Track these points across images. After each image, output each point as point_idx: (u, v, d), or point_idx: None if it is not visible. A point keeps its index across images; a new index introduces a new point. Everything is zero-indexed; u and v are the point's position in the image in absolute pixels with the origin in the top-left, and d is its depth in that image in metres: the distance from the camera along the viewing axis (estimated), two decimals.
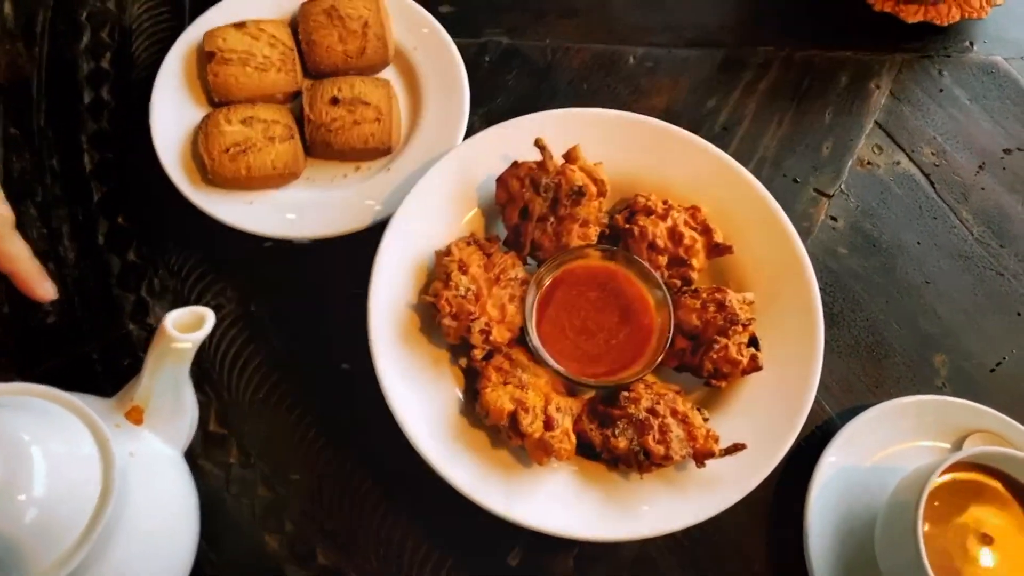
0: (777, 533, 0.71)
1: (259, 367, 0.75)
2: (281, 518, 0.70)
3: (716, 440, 0.67)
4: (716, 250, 0.75)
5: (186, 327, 0.58)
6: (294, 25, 0.84)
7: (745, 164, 0.83)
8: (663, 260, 0.74)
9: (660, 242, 0.73)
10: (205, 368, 0.75)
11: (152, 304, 0.77)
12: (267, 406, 0.74)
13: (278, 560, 0.69)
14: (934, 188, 0.86)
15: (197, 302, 0.77)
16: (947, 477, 0.65)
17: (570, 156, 0.75)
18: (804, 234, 0.82)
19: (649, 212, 0.75)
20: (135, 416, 0.61)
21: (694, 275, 0.74)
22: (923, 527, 0.61)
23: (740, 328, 0.70)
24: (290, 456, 0.72)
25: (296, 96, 0.83)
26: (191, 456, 0.71)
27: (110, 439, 0.53)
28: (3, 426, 0.50)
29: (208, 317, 0.58)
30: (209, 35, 0.82)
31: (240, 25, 0.82)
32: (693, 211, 0.75)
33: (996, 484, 0.66)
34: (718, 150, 0.77)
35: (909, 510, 0.62)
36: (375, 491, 0.71)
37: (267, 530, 0.70)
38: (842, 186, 0.85)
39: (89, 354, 0.75)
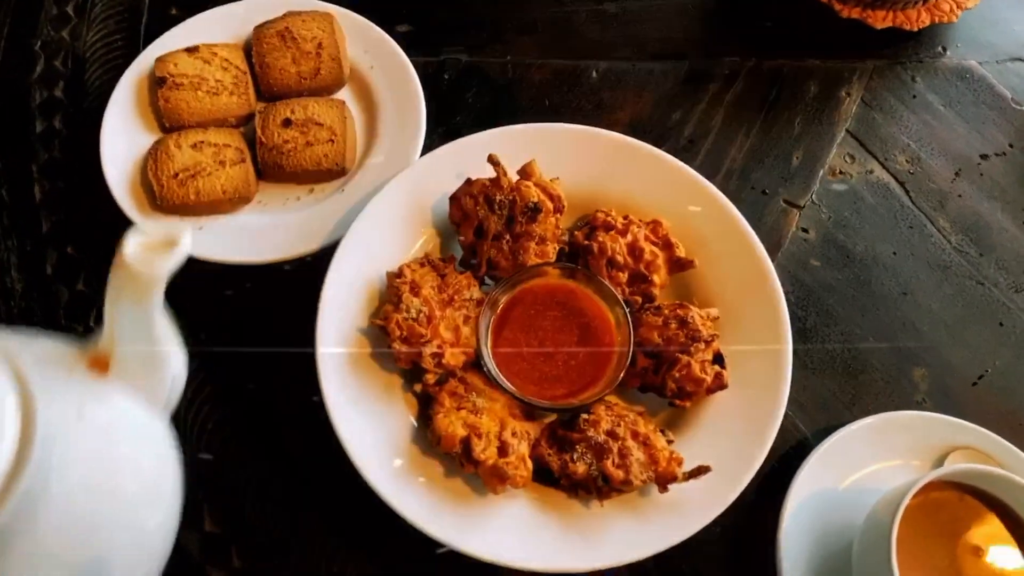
0: (749, 559, 0.68)
1: (208, 397, 0.72)
2: (228, 553, 0.67)
3: (679, 463, 0.64)
4: (678, 265, 0.72)
5: (152, 250, 0.46)
6: (248, 48, 0.83)
7: (712, 176, 0.81)
8: (623, 277, 0.71)
9: (620, 258, 0.71)
10: None
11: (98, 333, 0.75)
12: (217, 438, 0.71)
13: None
14: (909, 196, 0.83)
15: None
16: (924, 497, 0.61)
17: (525, 172, 0.73)
18: (774, 247, 0.79)
19: (609, 228, 0.72)
20: (99, 365, 0.50)
21: (656, 291, 0.71)
22: (897, 550, 0.58)
23: (703, 345, 0.67)
24: (239, 489, 0.69)
25: (250, 119, 0.81)
26: None
27: (35, 396, 0.42)
28: None
29: (181, 239, 0.46)
30: (160, 61, 0.80)
31: (192, 50, 0.81)
32: (654, 226, 0.73)
33: (975, 502, 0.63)
34: (678, 162, 0.75)
35: (884, 533, 0.59)
36: (326, 524, 0.68)
37: (214, 565, 0.67)
38: (813, 197, 0.83)
39: None
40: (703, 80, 0.88)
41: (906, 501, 0.59)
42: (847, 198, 0.83)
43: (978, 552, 0.61)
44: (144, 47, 0.84)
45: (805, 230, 0.81)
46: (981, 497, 0.63)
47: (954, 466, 0.64)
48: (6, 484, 0.41)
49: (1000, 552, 0.61)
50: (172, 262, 0.46)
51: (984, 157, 0.85)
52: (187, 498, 0.68)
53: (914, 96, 0.88)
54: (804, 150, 0.85)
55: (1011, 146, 0.85)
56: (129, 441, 0.50)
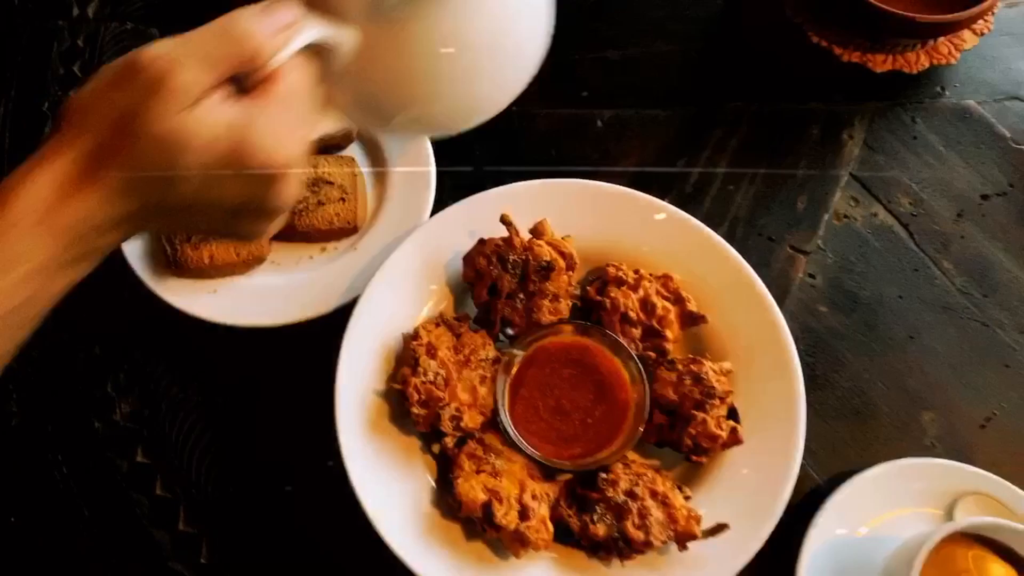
0: None
1: (228, 462, 0.73)
2: None
3: (698, 521, 0.65)
4: (690, 319, 0.73)
5: None
6: None
7: (719, 223, 0.82)
8: (637, 332, 0.72)
9: (632, 314, 0.72)
10: (174, 464, 0.73)
11: (118, 401, 0.75)
12: (238, 503, 0.72)
13: None
14: (913, 239, 0.84)
15: (164, 396, 0.75)
16: (937, 551, 0.62)
17: (537, 231, 0.74)
18: (782, 293, 0.80)
19: (620, 283, 0.73)
20: None
21: (669, 346, 0.72)
22: None
23: (718, 401, 0.68)
24: (262, 554, 0.70)
25: None
26: (161, 556, 0.70)
27: None
28: None
29: None
30: None
31: None
32: (665, 280, 0.74)
33: (984, 551, 0.64)
34: (684, 214, 0.76)
35: None
36: None
37: None
38: (819, 242, 0.84)
39: (55, 456, 0.73)
40: (707, 126, 0.88)
41: (920, 559, 0.60)
42: (852, 242, 0.84)
43: None
44: None
45: (812, 276, 0.82)
46: (991, 545, 0.64)
47: (965, 520, 0.65)
48: None
49: None
50: None
51: (985, 198, 0.86)
52: (212, 570, 0.70)
53: (915, 137, 0.89)
54: (809, 194, 0.86)
55: (1011, 186, 0.87)
56: None
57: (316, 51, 0.48)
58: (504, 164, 0.85)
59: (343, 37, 0.49)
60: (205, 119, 0.44)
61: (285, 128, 0.47)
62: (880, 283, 0.82)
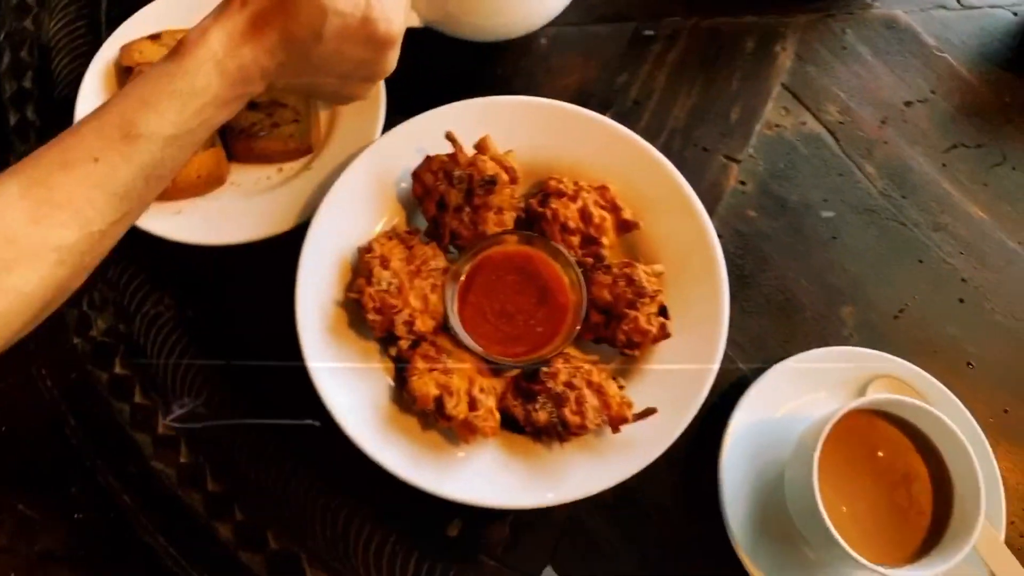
0: (694, 487, 0.76)
1: (200, 370, 0.79)
2: (231, 508, 0.75)
3: (629, 406, 0.72)
4: (624, 226, 0.78)
5: None
6: None
7: (657, 136, 0.87)
8: (576, 240, 0.78)
9: (572, 223, 0.77)
10: (150, 374, 0.79)
11: (94, 317, 0.80)
12: (212, 407, 0.78)
13: (230, 547, 0.74)
14: (840, 145, 0.89)
15: (137, 311, 0.81)
16: (843, 423, 0.69)
17: (481, 146, 0.78)
18: (714, 200, 0.86)
19: (561, 195, 0.78)
20: None
21: (605, 252, 0.78)
22: (818, 470, 0.66)
23: (648, 300, 0.74)
24: (237, 453, 0.77)
25: None
26: (143, 457, 0.77)
27: None
28: None
29: None
30: (126, 49, 0.83)
31: (155, 37, 0.84)
32: (602, 190, 0.79)
33: (884, 423, 0.71)
34: (621, 127, 0.80)
35: (808, 457, 0.68)
36: (317, 481, 0.76)
37: (219, 519, 0.75)
38: (751, 151, 0.89)
39: (39, 370, 0.78)
40: (647, 41, 0.92)
41: (827, 429, 0.67)
42: (782, 150, 0.89)
43: (887, 466, 0.70)
44: (106, 34, 0.86)
45: (743, 183, 0.88)
46: (891, 420, 0.71)
47: (870, 396, 0.72)
48: None
49: (904, 464, 0.71)
50: None
51: (908, 104, 0.91)
52: (190, 466, 0.76)
53: (844, 48, 0.93)
54: (742, 106, 0.90)
55: (933, 92, 0.91)
56: None
57: None
58: (450, 82, 0.89)
59: None
60: None
61: (396, 11, 0.65)
62: (807, 188, 0.88)
